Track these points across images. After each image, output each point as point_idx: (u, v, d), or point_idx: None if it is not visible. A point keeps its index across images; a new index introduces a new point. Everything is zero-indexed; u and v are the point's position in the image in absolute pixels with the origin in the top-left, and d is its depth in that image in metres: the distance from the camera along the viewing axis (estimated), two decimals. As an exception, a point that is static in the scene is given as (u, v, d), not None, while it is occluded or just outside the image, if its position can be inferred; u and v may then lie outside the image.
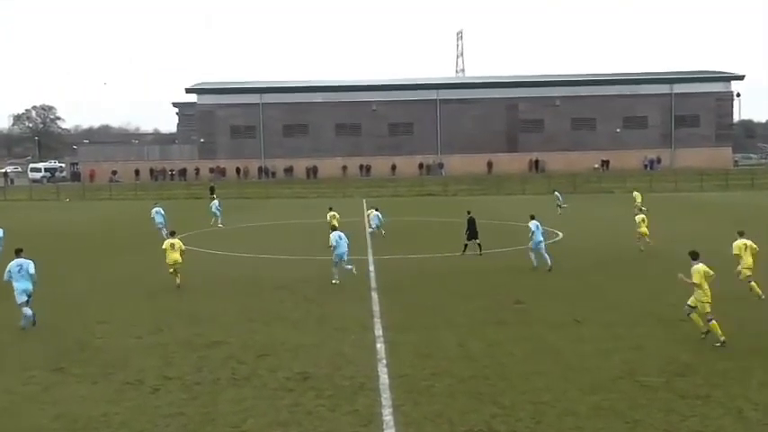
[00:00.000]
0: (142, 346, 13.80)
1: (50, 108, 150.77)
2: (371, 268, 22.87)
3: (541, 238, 21.99)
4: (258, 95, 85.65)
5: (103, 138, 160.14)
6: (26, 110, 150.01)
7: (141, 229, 33.02)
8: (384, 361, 12.47)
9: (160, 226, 31.88)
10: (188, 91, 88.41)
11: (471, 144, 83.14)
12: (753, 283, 16.35)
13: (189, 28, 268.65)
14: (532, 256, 22.03)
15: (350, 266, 20.27)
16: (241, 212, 46.69)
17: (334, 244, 19.88)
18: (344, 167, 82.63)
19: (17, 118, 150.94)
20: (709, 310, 12.99)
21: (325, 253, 22.31)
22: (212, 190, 65.50)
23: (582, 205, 47.56)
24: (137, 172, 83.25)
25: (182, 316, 16.35)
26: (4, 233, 24.56)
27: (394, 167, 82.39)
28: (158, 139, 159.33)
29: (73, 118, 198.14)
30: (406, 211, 45.46)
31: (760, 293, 16.32)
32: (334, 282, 19.92)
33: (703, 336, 13.22)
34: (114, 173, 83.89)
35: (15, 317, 15.65)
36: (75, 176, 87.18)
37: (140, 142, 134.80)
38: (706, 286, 13.03)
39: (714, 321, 12.91)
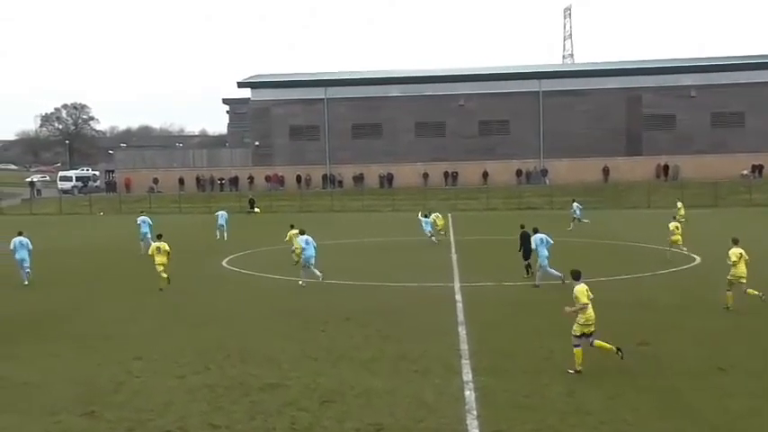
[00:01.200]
0: (185, 388, 14.13)
1: (83, 107, 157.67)
2: (458, 297, 22.81)
3: (546, 253, 23.85)
4: (322, 89, 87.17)
5: (143, 141, 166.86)
6: (56, 109, 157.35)
7: (185, 248, 34.04)
8: (474, 412, 12.37)
9: (145, 236, 36.04)
10: (240, 85, 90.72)
11: (582, 146, 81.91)
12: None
13: (242, 13, 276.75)
14: (539, 273, 24.19)
15: (319, 274, 24.47)
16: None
17: (303, 246, 25.02)
18: (425, 175, 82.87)
19: (45, 119, 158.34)
20: (593, 329, 14.70)
21: (402, 279, 24.30)
22: (252, 203, 67.37)
23: (726, 222, 45.88)
24: (181, 181, 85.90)
25: (232, 352, 16.67)
26: (31, 243, 27.36)
27: (486, 175, 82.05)
28: (206, 142, 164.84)
29: (108, 118, 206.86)
30: (501, 227, 44.97)
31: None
32: (300, 283, 24.72)
33: (572, 371, 14.44)
34: (155, 181, 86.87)
35: (43, 355, 16.41)
36: (111, 186, 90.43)
37: (185, 146, 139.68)
38: (590, 307, 14.73)
39: (596, 343, 14.66)
